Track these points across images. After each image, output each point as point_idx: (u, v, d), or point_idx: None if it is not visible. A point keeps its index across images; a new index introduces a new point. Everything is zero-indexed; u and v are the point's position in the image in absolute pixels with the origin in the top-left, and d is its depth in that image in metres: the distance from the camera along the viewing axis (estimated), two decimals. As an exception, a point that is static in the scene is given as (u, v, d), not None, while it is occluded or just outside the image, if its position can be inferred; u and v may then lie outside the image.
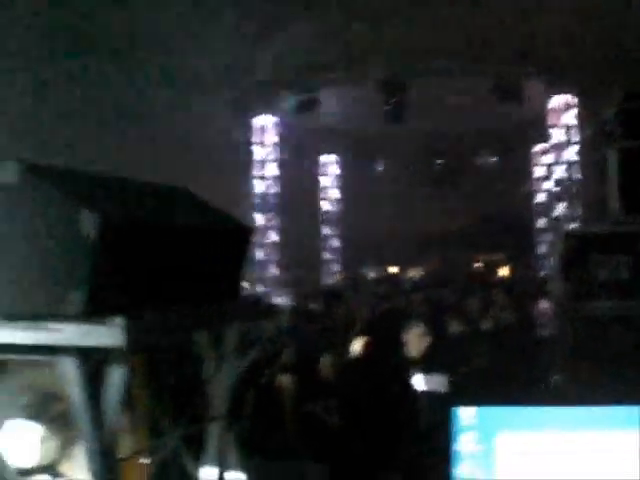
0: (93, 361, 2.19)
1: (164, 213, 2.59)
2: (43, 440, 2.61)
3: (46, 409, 2.70)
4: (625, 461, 1.73)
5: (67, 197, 2.03)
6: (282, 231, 19.33)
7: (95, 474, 2.22)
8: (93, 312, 2.06)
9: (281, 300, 14.32)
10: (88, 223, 1.99)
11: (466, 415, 1.71)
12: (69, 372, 2.18)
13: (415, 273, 24.72)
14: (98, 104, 15.60)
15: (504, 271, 25.52)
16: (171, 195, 2.90)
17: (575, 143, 18.04)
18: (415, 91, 16.17)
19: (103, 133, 16.11)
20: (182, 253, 2.51)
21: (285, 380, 5.05)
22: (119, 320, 2.02)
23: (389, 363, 4.73)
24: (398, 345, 5.01)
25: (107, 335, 2.05)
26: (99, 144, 15.48)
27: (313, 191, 24.20)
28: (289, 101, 17.65)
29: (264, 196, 18.79)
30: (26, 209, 2.07)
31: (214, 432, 2.92)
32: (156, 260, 2.33)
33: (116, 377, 2.21)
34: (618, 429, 1.73)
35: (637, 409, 1.74)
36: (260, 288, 18.12)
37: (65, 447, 2.68)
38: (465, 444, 1.71)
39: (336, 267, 24.30)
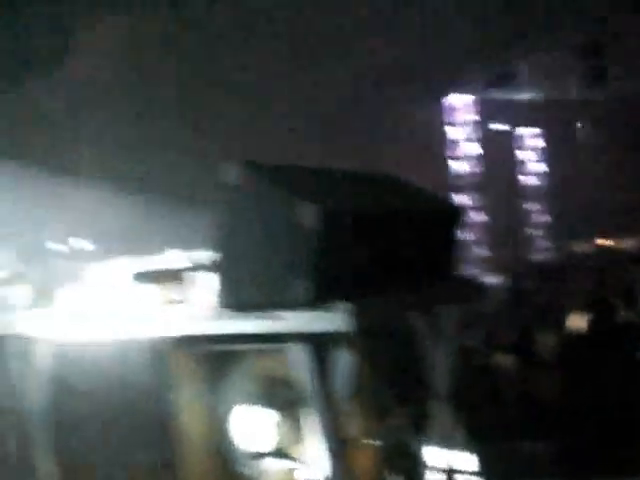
0: (320, 347, 2.27)
1: (377, 200, 2.64)
2: (273, 425, 2.75)
3: (276, 395, 2.83)
4: None
5: (287, 192, 2.13)
6: (484, 210, 18.99)
7: (325, 457, 2.29)
8: (317, 299, 2.14)
9: (491, 280, 14.10)
10: (308, 215, 2.07)
11: None
12: (298, 359, 2.27)
13: (629, 244, 23.47)
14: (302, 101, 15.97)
15: None
16: (380, 181, 2.95)
17: None
18: (616, 52, 15.35)
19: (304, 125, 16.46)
20: (397, 237, 2.54)
21: (504, 360, 4.98)
22: (343, 305, 2.08)
23: (617, 335, 4.52)
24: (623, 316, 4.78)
25: (332, 320, 2.11)
26: (300, 138, 15.86)
27: (514, 166, 23.59)
28: (483, 75, 17.27)
29: (463, 175, 18.56)
30: (250, 207, 2.19)
31: (438, 414, 2.93)
32: (373, 246, 2.38)
33: (343, 361, 2.29)
34: None
35: None
36: (468, 269, 17.92)
37: (295, 431, 2.80)
38: None
39: (544, 243, 23.55)
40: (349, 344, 2.25)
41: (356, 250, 2.29)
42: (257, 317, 2.24)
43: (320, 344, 2.26)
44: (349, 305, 2.09)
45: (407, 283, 2.55)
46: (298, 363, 2.28)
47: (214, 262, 2.32)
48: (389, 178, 2.99)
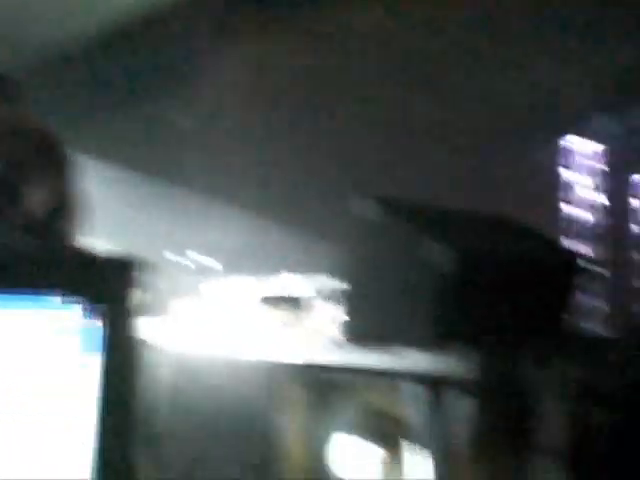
0: (437, 388, 2.25)
1: (502, 244, 2.61)
2: (380, 461, 2.73)
3: (384, 431, 2.82)
4: None
5: (420, 230, 2.14)
6: (603, 260, 18.47)
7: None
8: (440, 341, 2.13)
9: (608, 334, 13.64)
10: (440, 256, 2.07)
11: None
12: (414, 397, 2.26)
13: None
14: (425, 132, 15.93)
15: None
16: (503, 224, 2.91)
17: None
18: None
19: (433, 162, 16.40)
20: (518, 284, 2.51)
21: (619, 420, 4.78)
22: (466, 350, 2.07)
23: None
24: None
25: (453, 364, 2.10)
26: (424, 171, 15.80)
27: (632, 216, 22.88)
28: (614, 125, 16.86)
29: (581, 223, 18.13)
30: (382, 242, 2.21)
31: (546, 472, 2.85)
32: (496, 292, 2.35)
33: (457, 406, 2.25)
34: None
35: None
36: (586, 322, 17.45)
37: (396, 470, 2.78)
38: None
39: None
40: (466, 390, 2.22)
41: (482, 295, 2.27)
42: (377, 352, 2.25)
43: (437, 386, 2.24)
44: (471, 351, 2.08)
45: (528, 334, 2.51)
46: (413, 402, 2.28)
47: (340, 292, 2.35)
48: (509, 221, 2.96)
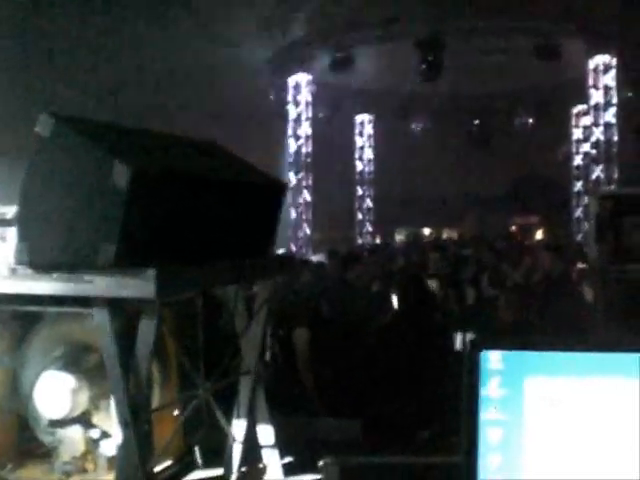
0: (125, 312, 2.21)
1: (196, 166, 2.59)
2: (74, 391, 2.65)
3: (80, 360, 2.73)
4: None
5: (99, 149, 2.04)
6: (316, 190, 19.27)
7: (124, 425, 2.25)
8: (125, 264, 2.08)
9: (314, 259, 14.33)
10: (120, 175, 1.99)
11: (493, 359, 1.70)
12: (101, 323, 2.20)
13: (449, 234, 24.59)
14: (128, 64, 15.58)
15: (539, 234, 25.28)
16: (203, 149, 2.90)
17: (614, 105, 17.71)
18: (452, 50, 15.92)
19: (139, 91, 16.09)
20: (215, 207, 2.51)
21: (303, 335, 5.06)
22: (150, 272, 2.03)
23: (414, 318, 4.70)
24: (425, 301, 4.98)
25: (138, 287, 2.06)
26: (132, 99, 15.48)
27: (347, 150, 24.07)
28: (324, 59, 17.47)
29: (298, 155, 18.73)
30: (60, 161, 2.08)
31: (245, 386, 2.94)
32: (188, 213, 2.33)
33: (148, 329, 2.23)
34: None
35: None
36: (294, 247, 18.17)
37: (98, 398, 2.72)
38: (492, 389, 1.70)
39: (369, 227, 24.25)
40: (155, 312, 2.19)
41: (169, 216, 2.24)
42: (62, 279, 2.15)
43: (125, 310, 2.20)
44: (157, 272, 2.04)
45: (222, 254, 2.52)
46: (101, 328, 2.21)
47: (18, 216, 2.19)
48: (212, 147, 2.94)
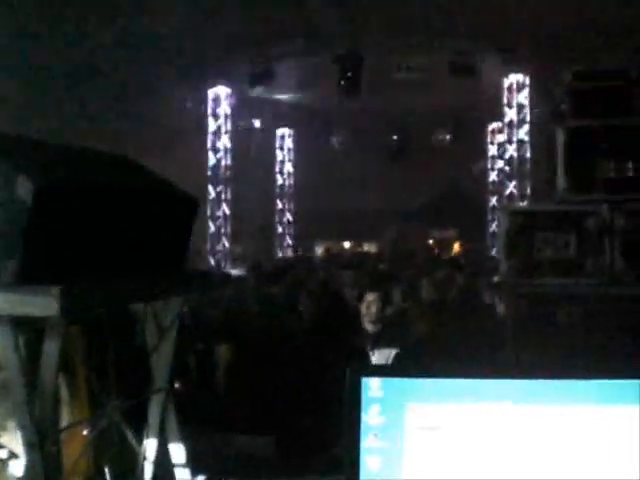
0: (29, 330, 2.15)
1: (105, 180, 2.53)
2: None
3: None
4: (548, 435, 1.75)
5: (2, 162, 1.98)
6: (235, 204, 19.20)
7: (30, 446, 2.18)
8: (29, 281, 2.02)
9: (233, 272, 14.26)
10: (23, 188, 1.94)
11: (374, 386, 1.71)
12: (3, 342, 2.13)
13: (368, 248, 24.83)
14: (49, 67, 15.27)
15: (455, 248, 25.76)
16: (113, 162, 2.84)
17: (527, 122, 18.21)
18: (371, 66, 16.13)
19: (56, 99, 15.78)
20: (124, 222, 2.46)
21: (223, 350, 5.04)
22: (54, 289, 1.98)
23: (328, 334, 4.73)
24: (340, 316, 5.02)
25: (42, 304, 2.00)
26: (49, 110, 15.18)
27: (268, 164, 24.09)
28: (243, 72, 17.47)
29: (217, 168, 18.63)
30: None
31: (156, 403, 2.89)
32: (97, 228, 2.28)
33: (53, 347, 2.17)
34: (544, 402, 1.74)
35: (564, 383, 1.75)
36: (212, 261, 18.05)
37: (4, 418, 2.64)
38: (372, 416, 1.71)
39: (289, 241, 24.30)
40: (60, 329, 2.14)
41: (76, 231, 2.18)
42: (-39, 295, 2.07)
43: (28, 328, 2.13)
44: (60, 289, 1.99)
45: (132, 269, 2.48)
46: (3, 347, 2.14)
47: None
48: (123, 160, 2.89)
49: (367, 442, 1.67)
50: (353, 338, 5.29)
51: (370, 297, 5.59)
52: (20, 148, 2.22)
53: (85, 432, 2.73)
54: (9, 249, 2.00)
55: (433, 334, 5.16)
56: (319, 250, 24.78)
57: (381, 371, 1.73)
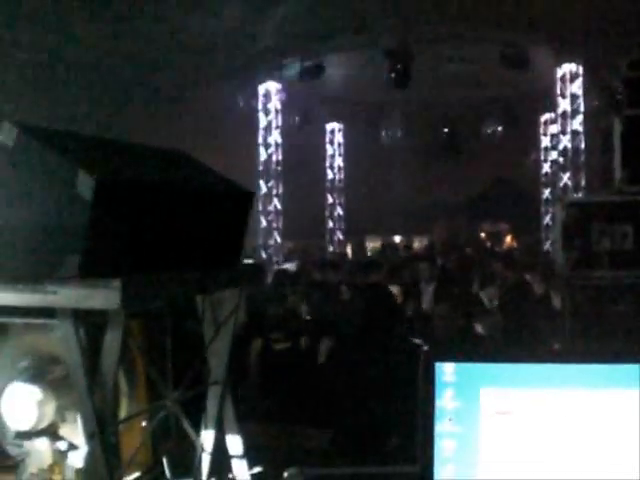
0: (90, 323, 2.19)
1: (162, 175, 2.57)
2: (41, 403, 2.62)
3: (45, 372, 2.70)
4: (618, 421, 1.73)
5: (63, 159, 2.02)
6: (286, 198, 19.26)
7: (91, 437, 2.23)
8: (90, 274, 2.06)
9: (288, 266, 14.31)
10: (84, 184, 1.98)
11: (447, 371, 1.71)
12: (66, 334, 2.18)
13: (419, 242, 24.71)
14: (96, 67, 15.50)
15: (507, 241, 25.49)
16: (170, 158, 2.88)
17: (580, 113, 17.91)
18: (422, 58, 16.03)
19: (106, 98, 16.02)
20: (181, 216, 2.50)
21: (282, 345, 5.07)
22: (115, 282, 2.02)
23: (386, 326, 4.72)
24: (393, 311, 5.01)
25: (103, 297, 2.04)
26: (101, 107, 15.41)
27: (318, 159, 24.12)
28: (293, 67, 17.50)
29: (268, 163, 18.71)
30: (23, 171, 2.06)
31: (213, 395, 2.93)
32: (155, 223, 2.32)
33: (113, 340, 2.21)
34: (614, 387, 1.72)
35: (635, 367, 1.73)
36: (264, 255, 18.14)
37: (65, 410, 2.69)
38: (447, 400, 1.71)
39: (341, 235, 24.30)
40: (121, 322, 2.18)
41: (136, 226, 2.22)
42: (25, 290, 2.13)
43: (90, 321, 2.18)
44: (122, 282, 2.03)
45: (190, 263, 2.51)
46: (65, 339, 2.19)
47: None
48: (180, 156, 2.93)
49: (442, 426, 1.67)
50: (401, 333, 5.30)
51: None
52: (80, 145, 2.27)
53: (144, 423, 2.78)
54: (71, 244, 2.05)
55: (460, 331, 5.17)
56: (370, 245, 24.70)
57: (455, 356, 1.73)
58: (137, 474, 2.80)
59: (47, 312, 2.18)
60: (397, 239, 25.85)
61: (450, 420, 1.71)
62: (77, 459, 2.64)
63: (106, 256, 2.11)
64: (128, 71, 15.83)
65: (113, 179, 2.09)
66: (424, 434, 1.63)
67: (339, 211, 24.43)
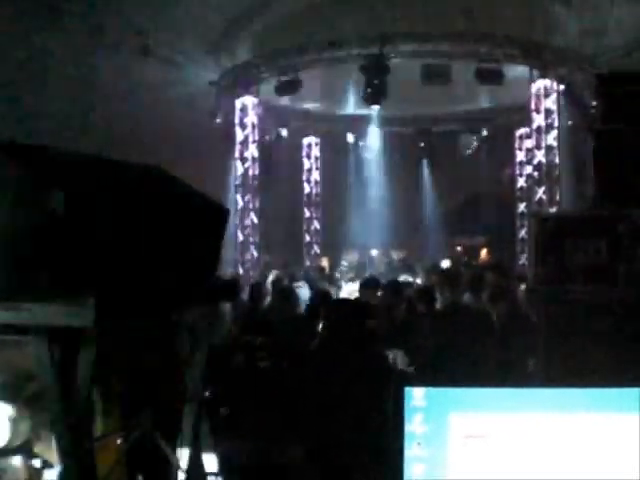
0: (65, 340, 2.17)
1: (137, 191, 2.55)
2: (15, 420, 2.59)
3: (20, 389, 2.68)
4: (585, 443, 1.74)
5: (34, 174, 2.00)
6: (263, 213, 19.22)
7: (65, 455, 2.20)
8: (63, 291, 2.04)
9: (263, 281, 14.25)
10: (56, 200, 1.96)
11: (417, 396, 1.71)
12: (39, 351, 2.16)
13: (395, 256, 24.73)
14: (77, 80, 15.43)
15: (483, 255, 25.60)
16: (144, 173, 2.86)
17: (554, 128, 18.05)
18: (397, 73, 16.11)
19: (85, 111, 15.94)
20: (155, 231, 2.48)
21: (260, 362, 5.04)
22: (89, 300, 2.00)
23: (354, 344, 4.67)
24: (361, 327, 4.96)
25: (77, 315, 2.02)
26: (82, 121, 15.34)
27: (295, 172, 24.12)
28: (270, 82, 17.52)
29: (245, 177, 18.68)
30: (-6, 186, 2.04)
31: (189, 413, 2.91)
32: (128, 237, 2.30)
33: (87, 357, 2.19)
34: (583, 411, 1.73)
35: (603, 391, 1.74)
36: (241, 270, 18.07)
37: (40, 427, 2.66)
38: (416, 425, 1.71)
39: (318, 249, 24.28)
40: (94, 340, 2.16)
41: (109, 242, 2.21)
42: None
43: (63, 338, 2.16)
44: (95, 300, 2.01)
45: (165, 280, 2.50)
46: (39, 356, 2.17)
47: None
48: (154, 171, 2.91)
49: (411, 451, 1.67)
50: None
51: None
52: (51, 159, 2.25)
53: (119, 441, 2.75)
54: (42, 259, 2.03)
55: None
56: (348, 257, 24.69)
57: (424, 381, 1.73)
58: (112, 492, 2.77)
59: (21, 329, 2.16)
60: (374, 253, 25.87)
61: (419, 444, 1.71)
62: (52, 477, 2.62)
63: (79, 272, 2.09)
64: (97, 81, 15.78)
65: (85, 194, 2.07)
66: (393, 458, 1.63)
67: (316, 225, 24.43)
